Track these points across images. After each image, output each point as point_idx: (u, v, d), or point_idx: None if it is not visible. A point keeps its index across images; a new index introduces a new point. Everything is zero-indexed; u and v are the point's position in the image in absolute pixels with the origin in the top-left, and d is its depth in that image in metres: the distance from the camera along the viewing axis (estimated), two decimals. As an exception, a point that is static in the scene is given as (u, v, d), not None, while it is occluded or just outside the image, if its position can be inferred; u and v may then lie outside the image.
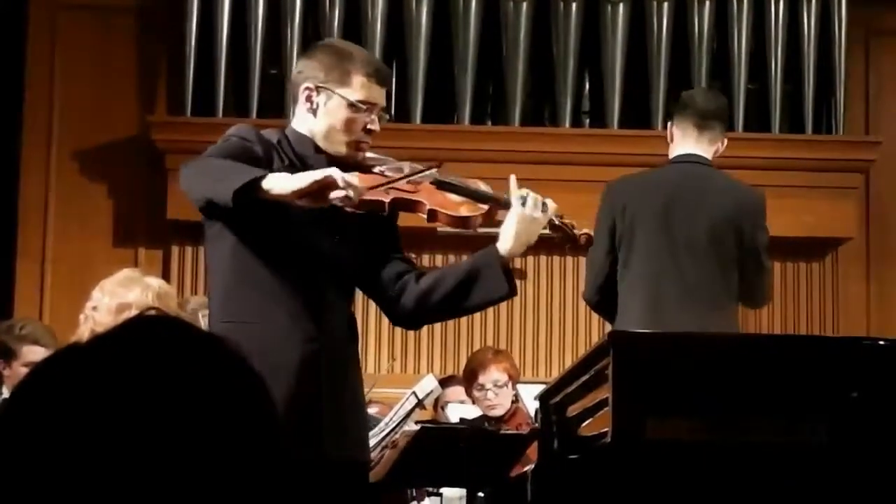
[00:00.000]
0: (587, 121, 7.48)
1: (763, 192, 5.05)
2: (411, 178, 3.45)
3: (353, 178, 3.27)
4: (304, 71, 3.51)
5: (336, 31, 7.00)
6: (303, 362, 3.34)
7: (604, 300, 4.93)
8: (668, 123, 5.02)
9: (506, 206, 3.46)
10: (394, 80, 7.37)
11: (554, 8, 7.29)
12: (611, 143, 7.14)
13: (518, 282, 7.00)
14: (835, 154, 7.30)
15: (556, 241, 3.60)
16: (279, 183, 3.20)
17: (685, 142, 4.91)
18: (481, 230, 3.60)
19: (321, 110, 3.46)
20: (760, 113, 7.36)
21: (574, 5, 7.27)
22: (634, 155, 6.49)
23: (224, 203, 3.17)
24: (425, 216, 3.46)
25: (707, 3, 7.29)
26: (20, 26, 7.35)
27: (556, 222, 3.52)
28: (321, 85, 3.46)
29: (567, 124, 7.27)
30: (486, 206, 3.50)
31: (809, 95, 7.29)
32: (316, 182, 3.18)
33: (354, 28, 7.12)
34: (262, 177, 3.18)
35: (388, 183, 3.42)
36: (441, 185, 3.49)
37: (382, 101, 3.51)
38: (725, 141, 4.97)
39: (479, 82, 7.27)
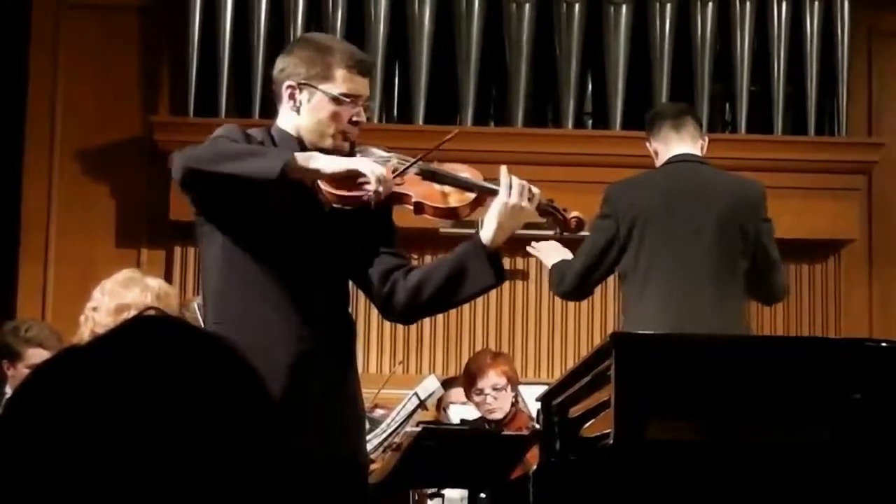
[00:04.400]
0: (590, 122, 7.48)
1: (762, 183, 5.08)
2: (400, 172, 3.42)
3: (386, 173, 3.28)
4: (285, 68, 3.48)
5: (338, 32, 6.99)
6: (294, 363, 3.31)
7: (579, 295, 5.12)
8: (647, 144, 5.07)
9: (494, 193, 3.43)
10: (396, 80, 7.39)
11: (556, 9, 7.28)
12: (613, 144, 7.13)
13: (520, 282, 7.07)
14: (837, 156, 7.30)
15: (545, 225, 3.56)
16: (317, 161, 3.25)
17: (670, 147, 4.99)
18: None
19: (305, 107, 3.44)
20: (763, 114, 7.35)
21: (577, 6, 7.27)
22: (637, 156, 6.46)
23: (266, 177, 3.15)
24: (412, 208, 3.44)
25: (710, 5, 7.28)
26: (23, 26, 7.36)
27: (546, 207, 3.49)
28: (303, 82, 3.43)
29: (570, 125, 7.27)
30: (473, 195, 3.46)
31: (812, 97, 7.29)
32: (351, 170, 3.25)
33: (357, 28, 7.12)
34: (296, 154, 3.22)
35: None
36: (427, 175, 3.47)
37: (366, 92, 3.48)
38: (707, 139, 5.07)
39: (482, 83, 7.27)
